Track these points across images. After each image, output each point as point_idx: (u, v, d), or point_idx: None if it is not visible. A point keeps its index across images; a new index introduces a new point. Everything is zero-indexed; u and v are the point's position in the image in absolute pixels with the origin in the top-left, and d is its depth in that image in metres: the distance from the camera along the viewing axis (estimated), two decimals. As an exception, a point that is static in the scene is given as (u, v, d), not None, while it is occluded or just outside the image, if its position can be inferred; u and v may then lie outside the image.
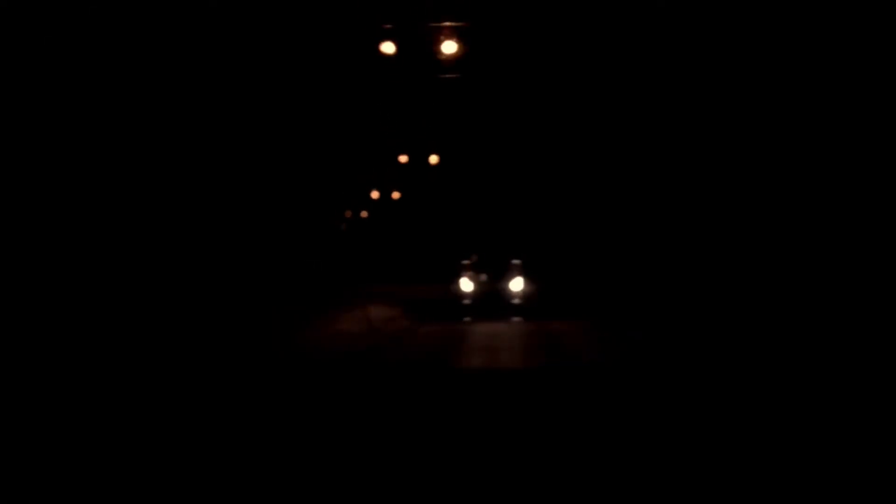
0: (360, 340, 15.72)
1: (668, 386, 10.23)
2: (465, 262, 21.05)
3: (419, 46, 17.09)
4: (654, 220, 21.79)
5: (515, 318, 19.69)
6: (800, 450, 7.12)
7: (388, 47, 16.81)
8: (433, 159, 31.15)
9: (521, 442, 7.55)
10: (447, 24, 16.56)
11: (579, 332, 16.52)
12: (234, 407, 9.29)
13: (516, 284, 20.37)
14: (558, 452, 7.17)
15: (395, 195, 37.32)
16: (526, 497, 6.12)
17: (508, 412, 8.93)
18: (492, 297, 20.34)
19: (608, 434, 7.82)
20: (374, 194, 36.90)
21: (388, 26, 16.71)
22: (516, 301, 20.27)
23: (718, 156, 17.58)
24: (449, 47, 16.68)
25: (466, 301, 20.41)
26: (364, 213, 40.02)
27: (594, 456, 7.06)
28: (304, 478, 6.63)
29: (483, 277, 20.57)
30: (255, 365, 12.24)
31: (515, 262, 20.88)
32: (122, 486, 6.42)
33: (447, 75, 20.19)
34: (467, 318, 19.74)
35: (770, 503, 5.95)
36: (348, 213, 38.10)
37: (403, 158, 30.86)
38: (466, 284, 20.49)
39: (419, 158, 31.23)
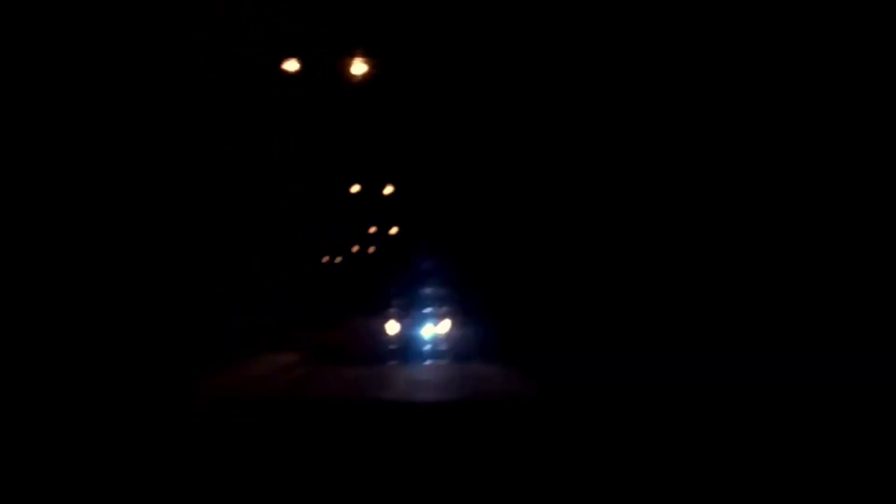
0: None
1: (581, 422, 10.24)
2: (396, 302, 21.10)
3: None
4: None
5: (442, 362, 19.66)
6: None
7: None
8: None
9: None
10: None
11: (500, 373, 16.55)
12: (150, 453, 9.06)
13: (443, 327, 20.38)
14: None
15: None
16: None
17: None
18: (418, 341, 20.30)
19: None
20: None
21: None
22: (443, 345, 20.24)
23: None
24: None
25: (392, 345, 20.30)
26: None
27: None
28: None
29: (410, 320, 20.55)
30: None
31: (444, 305, 20.96)
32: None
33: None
34: (393, 362, 19.61)
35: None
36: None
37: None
38: (392, 327, 20.44)
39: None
